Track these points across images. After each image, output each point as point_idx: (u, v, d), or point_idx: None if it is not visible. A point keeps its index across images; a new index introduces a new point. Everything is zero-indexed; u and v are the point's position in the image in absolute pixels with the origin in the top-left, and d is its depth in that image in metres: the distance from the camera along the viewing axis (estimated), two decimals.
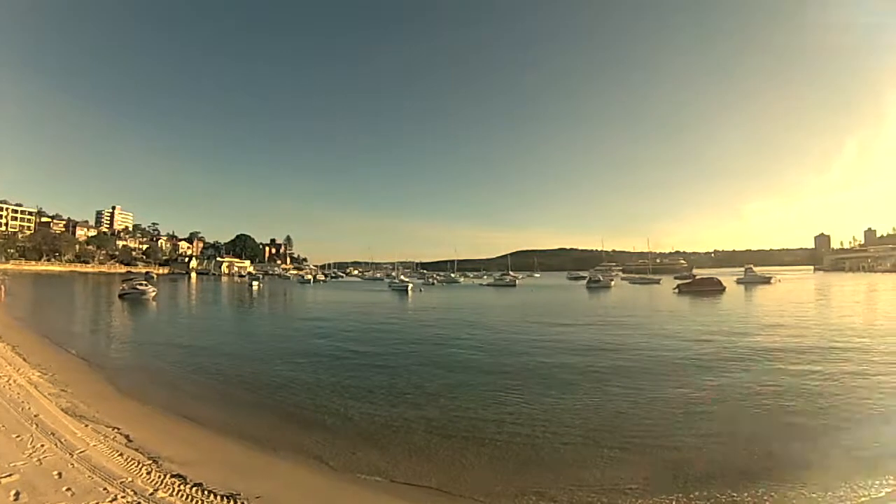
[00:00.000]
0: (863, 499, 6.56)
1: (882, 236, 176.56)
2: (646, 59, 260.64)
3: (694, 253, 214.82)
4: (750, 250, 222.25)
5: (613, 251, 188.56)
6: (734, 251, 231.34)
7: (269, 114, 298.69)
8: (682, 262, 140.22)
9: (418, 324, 27.54)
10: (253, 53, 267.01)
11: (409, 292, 63.82)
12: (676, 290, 53.80)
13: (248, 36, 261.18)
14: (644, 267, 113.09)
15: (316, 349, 18.44)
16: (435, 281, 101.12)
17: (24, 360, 14.67)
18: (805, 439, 8.78)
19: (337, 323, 27.89)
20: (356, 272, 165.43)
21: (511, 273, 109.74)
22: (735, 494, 6.72)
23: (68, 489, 5.89)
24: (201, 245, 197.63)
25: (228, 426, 9.46)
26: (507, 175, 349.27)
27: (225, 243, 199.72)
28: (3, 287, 42.38)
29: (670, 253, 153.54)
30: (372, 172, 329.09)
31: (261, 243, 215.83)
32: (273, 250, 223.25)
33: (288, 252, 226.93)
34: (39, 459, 6.71)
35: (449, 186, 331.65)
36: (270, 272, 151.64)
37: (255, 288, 75.48)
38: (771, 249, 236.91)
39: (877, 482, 6.94)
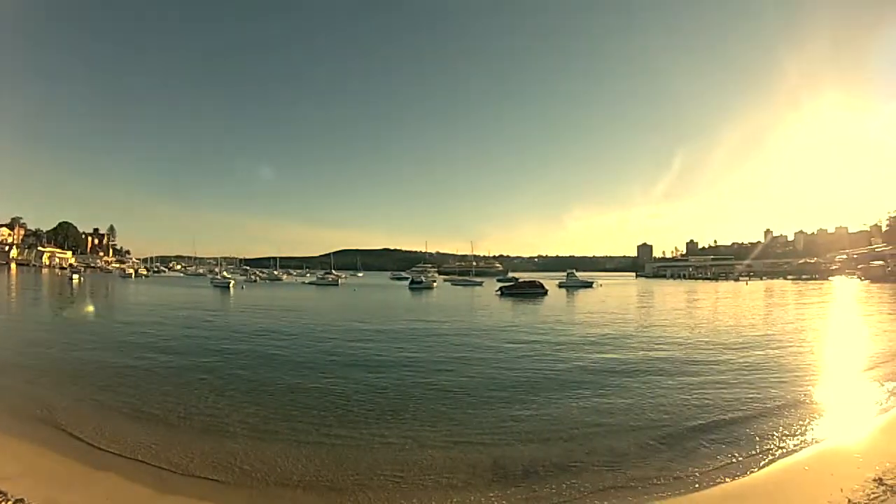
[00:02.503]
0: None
1: (703, 247, 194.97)
2: (471, 63, 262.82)
3: (518, 257, 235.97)
4: (574, 256, 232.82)
5: (438, 253, 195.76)
6: (558, 256, 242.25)
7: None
8: (498, 265, 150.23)
9: (239, 326, 26.24)
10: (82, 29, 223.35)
11: (231, 289, 64.24)
12: (499, 293, 55.38)
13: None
14: (461, 269, 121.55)
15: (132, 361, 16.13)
16: (257, 278, 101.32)
17: None
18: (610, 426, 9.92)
19: (161, 328, 24.85)
20: (179, 267, 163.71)
21: (334, 272, 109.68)
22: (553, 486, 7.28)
23: None
24: (23, 233, 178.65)
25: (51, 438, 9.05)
26: (334, 173, 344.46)
27: (47, 231, 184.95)
28: None
29: (486, 257, 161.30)
30: (197, 164, 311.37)
31: (83, 233, 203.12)
32: (96, 241, 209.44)
33: (111, 243, 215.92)
34: None
35: (275, 183, 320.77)
36: (93, 265, 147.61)
37: (75, 282, 73.85)
38: (594, 256, 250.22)
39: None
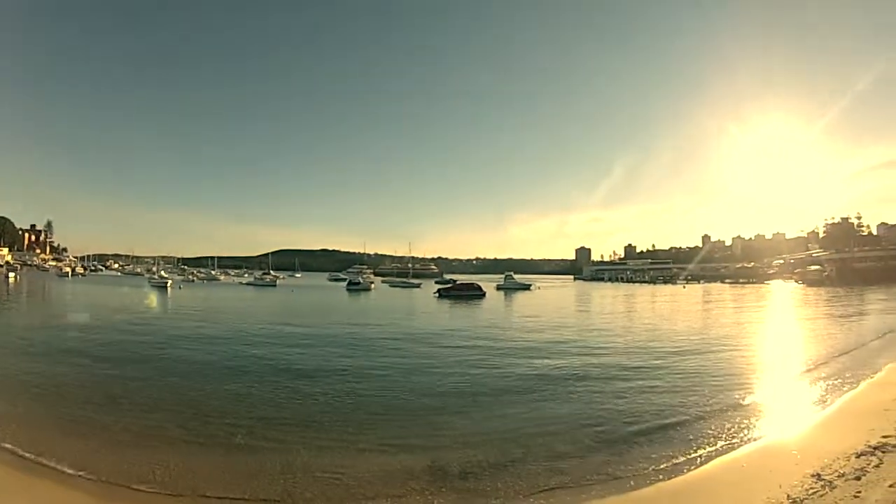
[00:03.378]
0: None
1: (641, 252, 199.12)
2: (412, 64, 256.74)
3: (456, 259, 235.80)
4: (512, 259, 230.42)
5: (376, 254, 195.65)
6: (496, 259, 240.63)
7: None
8: (434, 267, 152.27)
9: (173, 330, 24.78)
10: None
11: (169, 290, 64.05)
12: (437, 295, 55.40)
13: None
14: (397, 270, 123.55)
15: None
16: (195, 278, 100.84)
17: None
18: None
19: (96, 333, 22.83)
20: (116, 266, 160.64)
21: (272, 272, 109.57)
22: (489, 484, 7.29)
23: None
24: None
25: None
26: (272, 172, 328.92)
27: None
28: None
29: (422, 258, 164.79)
30: (135, 160, 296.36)
31: (20, 229, 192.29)
32: (33, 237, 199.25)
33: (48, 241, 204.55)
34: None
35: (213, 182, 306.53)
36: (30, 262, 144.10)
37: (11, 281, 72.78)
38: (533, 259, 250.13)
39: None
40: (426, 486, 7.23)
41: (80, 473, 7.37)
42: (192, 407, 10.91)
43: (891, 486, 5.80)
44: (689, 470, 7.83)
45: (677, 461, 8.10)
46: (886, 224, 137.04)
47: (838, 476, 6.56)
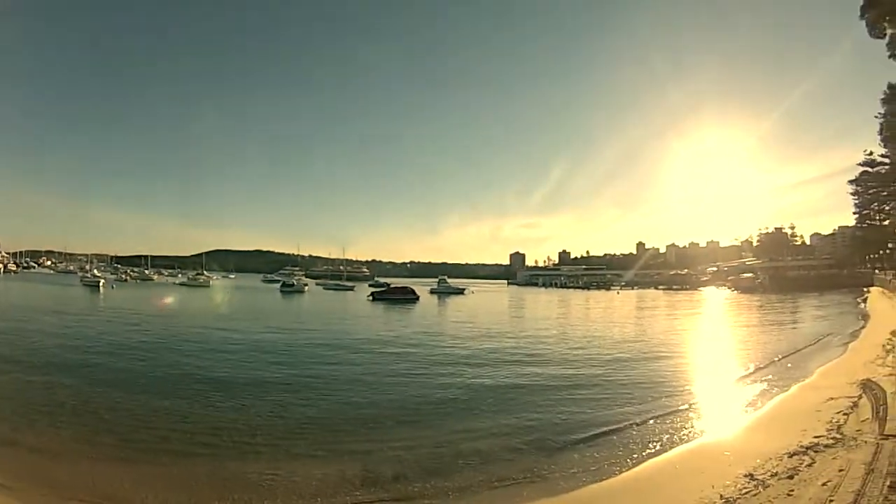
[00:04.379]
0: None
1: (575, 257, 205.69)
2: (347, 67, 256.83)
3: (390, 262, 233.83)
4: (446, 263, 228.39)
5: (310, 256, 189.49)
6: (430, 263, 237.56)
7: None
8: (365, 270, 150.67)
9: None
10: None
11: (101, 289, 62.25)
12: (371, 298, 55.09)
13: None
14: (329, 272, 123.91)
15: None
16: (128, 277, 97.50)
17: None
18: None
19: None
20: (49, 263, 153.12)
21: (206, 273, 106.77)
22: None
23: None
24: None
25: None
26: (208, 172, 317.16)
27: None
28: None
29: (354, 261, 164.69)
30: (69, 155, 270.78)
31: None
32: None
33: None
34: None
35: (148, 180, 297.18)
36: None
37: None
38: (467, 263, 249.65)
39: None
40: (360, 485, 7.26)
41: None
42: (119, 416, 10.33)
43: (824, 484, 5.55)
44: (621, 471, 7.67)
45: (610, 463, 7.97)
46: (820, 234, 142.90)
47: (771, 475, 6.39)
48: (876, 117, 19.77)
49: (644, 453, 8.34)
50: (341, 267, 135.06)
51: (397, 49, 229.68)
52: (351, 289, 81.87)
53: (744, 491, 6.09)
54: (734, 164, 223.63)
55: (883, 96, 18.11)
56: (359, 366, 16.35)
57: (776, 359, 16.64)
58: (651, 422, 10.12)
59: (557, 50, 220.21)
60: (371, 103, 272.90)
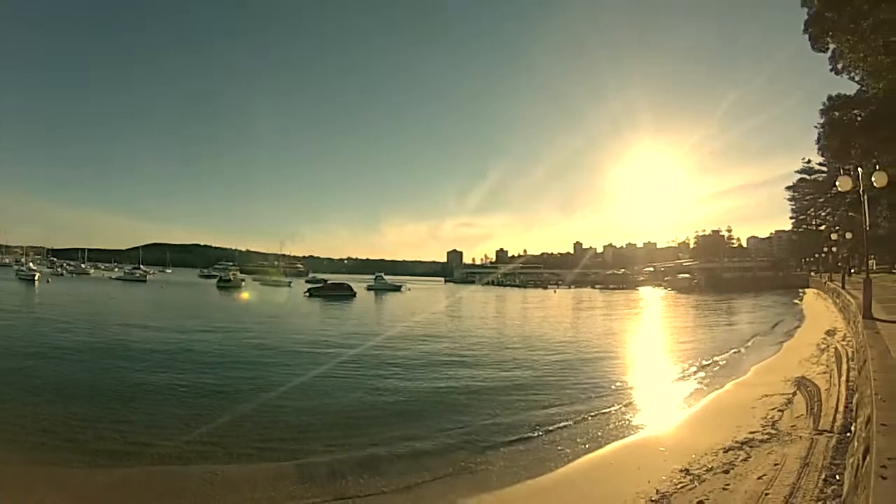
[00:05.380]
0: None
1: (513, 256, 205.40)
2: (280, 68, 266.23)
3: (328, 259, 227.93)
4: (384, 260, 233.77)
5: (248, 251, 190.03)
6: (368, 260, 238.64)
7: None
8: (300, 266, 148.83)
9: None
10: None
11: (37, 283, 60.96)
12: (308, 294, 54.63)
13: None
14: (262, 268, 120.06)
15: None
16: (64, 271, 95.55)
17: None
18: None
19: None
20: None
21: (143, 267, 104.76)
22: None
23: None
24: None
25: None
26: (148, 164, 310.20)
27: None
28: None
29: (290, 256, 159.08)
30: (6, 140, 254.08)
31: None
32: None
33: None
34: None
35: (84, 171, 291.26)
36: None
37: None
38: (405, 261, 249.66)
39: None
40: (295, 483, 7.15)
41: None
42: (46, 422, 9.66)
43: (759, 478, 5.40)
44: (556, 468, 7.49)
45: (545, 460, 7.81)
46: (757, 237, 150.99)
47: (706, 470, 6.27)
48: (816, 127, 20.70)
49: (580, 450, 8.17)
50: (276, 263, 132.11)
51: (334, 49, 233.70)
52: (288, 285, 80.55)
53: (679, 486, 5.98)
54: (672, 171, 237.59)
55: (822, 107, 18.83)
56: (288, 366, 15.66)
57: (711, 357, 16.78)
58: (587, 420, 9.97)
59: (496, 57, 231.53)
60: (313, 103, 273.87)
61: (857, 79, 18.26)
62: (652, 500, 5.63)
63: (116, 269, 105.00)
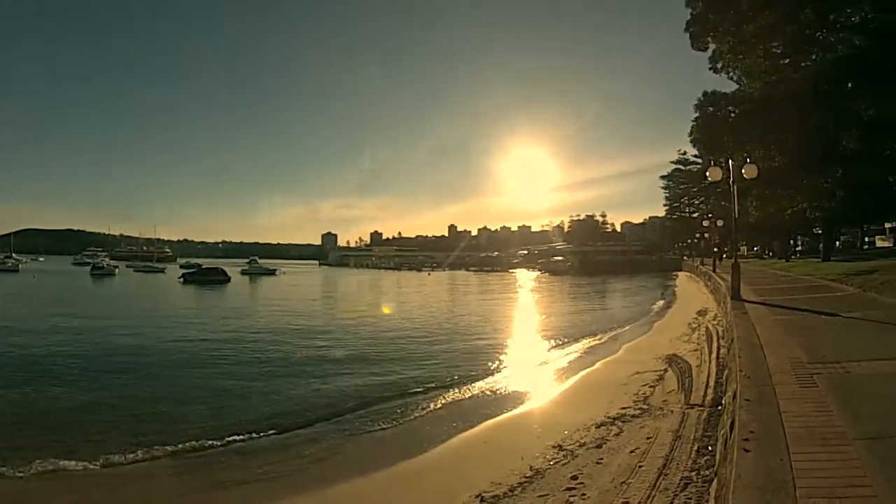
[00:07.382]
0: None
1: (387, 238, 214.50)
2: (156, 55, 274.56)
3: (202, 243, 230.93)
4: (258, 243, 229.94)
5: (121, 235, 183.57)
6: (242, 243, 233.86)
7: None
8: (168, 250, 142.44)
9: None
10: None
11: None
12: (182, 280, 53.75)
13: None
14: (131, 253, 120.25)
15: None
16: None
17: None
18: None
19: None
20: None
21: (15, 255, 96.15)
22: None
23: None
24: None
25: None
26: (19, 142, 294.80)
27: None
28: None
29: (157, 240, 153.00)
30: None
31: None
32: None
33: None
34: None
35: None
36: None
37: None
38: (280, 244, 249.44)
39: None
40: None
41: None
42: None
43: (632, 451, 5.27)
44: (429, 448, 7.25)
45: (418, 441, 7.59)
46: (631, 223, 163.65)
47: (579, 446, 6.13)
48: (692, 122, 22.21)
49: (452, 430, 7.87)
50: (144, 247, 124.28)
51: (219, 38, 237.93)
52: (162, 270, 76.97)
53: (553, 461, 5.81)
54: (548, 159, 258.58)
55: (697, 102, 20.26)
56: (153, 356, 14.32)
57: (581, 337, 17.24)
58: (460, 401, 9.76)
59: (381, 46, 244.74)
60: (192, 85, 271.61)
61: (734, 78, 19.60)
62: (526, 477, 5.39)
63: None
